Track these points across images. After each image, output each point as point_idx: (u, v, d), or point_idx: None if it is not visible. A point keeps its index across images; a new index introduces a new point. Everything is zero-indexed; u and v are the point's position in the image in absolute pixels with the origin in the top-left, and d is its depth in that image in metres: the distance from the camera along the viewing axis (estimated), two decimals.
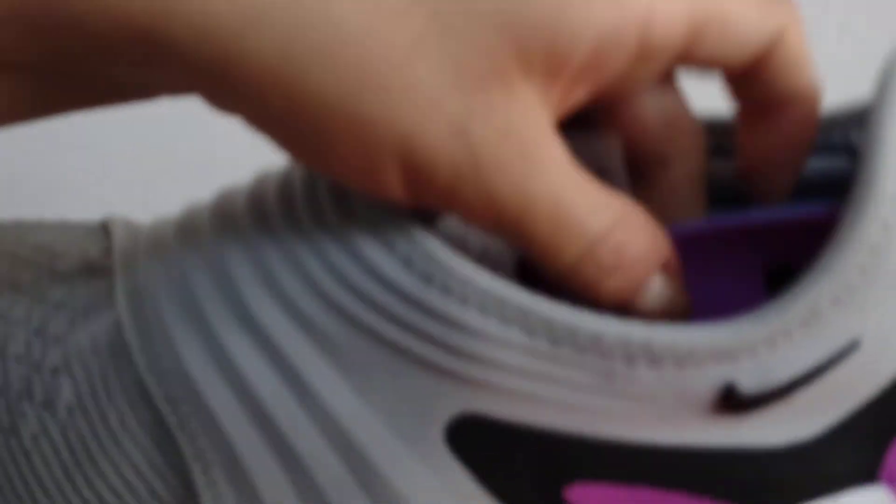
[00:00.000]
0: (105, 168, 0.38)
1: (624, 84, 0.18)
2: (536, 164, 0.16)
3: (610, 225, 0.17)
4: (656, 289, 0.18)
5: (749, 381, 0.17)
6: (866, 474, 0.20)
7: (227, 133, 0.22)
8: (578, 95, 0.17)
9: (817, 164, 0.21)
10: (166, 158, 0.39)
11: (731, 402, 0.17)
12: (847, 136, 0.21)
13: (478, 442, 0.18)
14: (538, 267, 0.18)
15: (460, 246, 0.19)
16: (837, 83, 0.23)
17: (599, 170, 0.19)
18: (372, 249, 0.17)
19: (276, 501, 0.19)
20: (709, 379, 0.17)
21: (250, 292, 0.18)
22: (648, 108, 0.19)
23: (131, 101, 0.18)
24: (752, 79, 0.19)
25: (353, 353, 0.18)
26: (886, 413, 0.19)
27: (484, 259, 0.20)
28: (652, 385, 0.17)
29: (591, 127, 0.19)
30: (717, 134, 0.22)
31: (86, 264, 0.21)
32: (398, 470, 0.18)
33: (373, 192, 0.17)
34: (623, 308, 0.18)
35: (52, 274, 0.21)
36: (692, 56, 0.18)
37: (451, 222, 0.20)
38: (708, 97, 0.21)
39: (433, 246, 0.17)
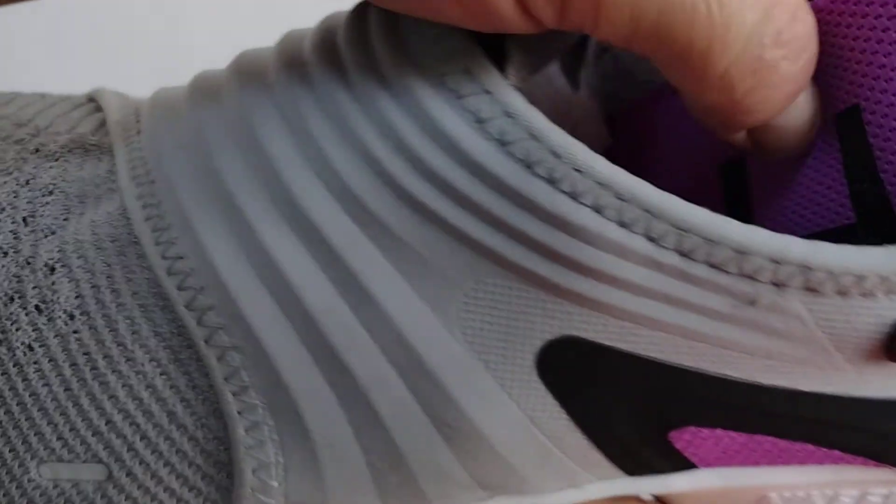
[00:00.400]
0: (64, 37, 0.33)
1: None
2: None
3: None
4: (804, 95, 0.14)
5: None
6: None
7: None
8: None
9: None
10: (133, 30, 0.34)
11: None
12: None
13: (576, 372, 0.15)
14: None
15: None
16: None
17: None
18: (455, 122, 0.13)
19: (323, 430, 0.15)
20: (878, 315, 0.13)
21: (291, 172, 0.14)
22: None
23: None
24: None
25: (425, 255, 0.14)
26: None
27: None
28: (802, 318, 0.13)
29: None
30: None
31: (78, 142, 0.17)
32: (475, 401, 0.15)
33: (477, 20, 0.13)
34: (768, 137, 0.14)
35: (39, 153, 0.17)
36: None
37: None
38: None
39: (537, 120, 0.13)
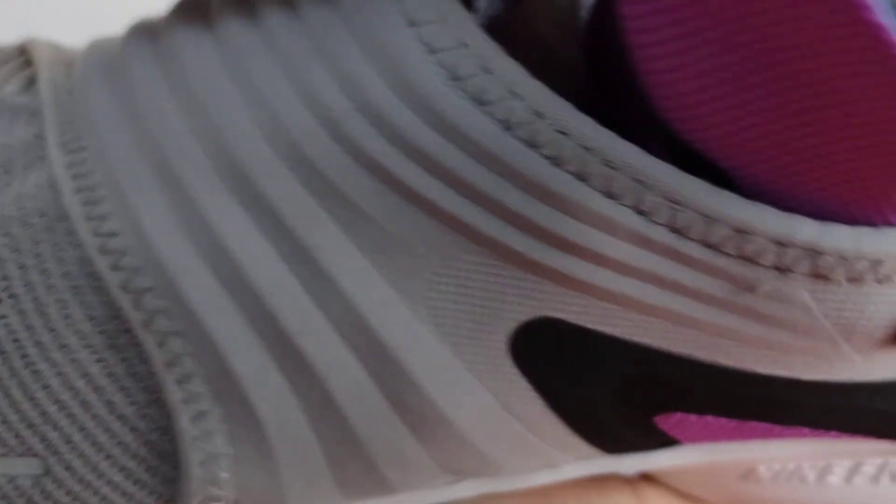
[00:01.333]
0: None
1: None
2: None
3: None
4: None
5: None
6: None
7: None
8: None
9: None
10: None
11: None
12: None
13: (554, 356, 0.13)
14: None
15: None
16: None
17: None
18: (427, 79, 0.11)
19: (276, 419, 0.13)
20: (894, 301, 0.12)
21: (237, 135, 0.12)
22: None
23: None
24: None
25: (388, 228, 0.12)
26: None
27: None
28: (807, 307, 0.11)
29: None
30: None
31: (5, 103, 0.14)
32: (441, 386, 0.13)
33: None
34: None
35: None
36: None
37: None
38: None
39: (519, 76, 0.11)
